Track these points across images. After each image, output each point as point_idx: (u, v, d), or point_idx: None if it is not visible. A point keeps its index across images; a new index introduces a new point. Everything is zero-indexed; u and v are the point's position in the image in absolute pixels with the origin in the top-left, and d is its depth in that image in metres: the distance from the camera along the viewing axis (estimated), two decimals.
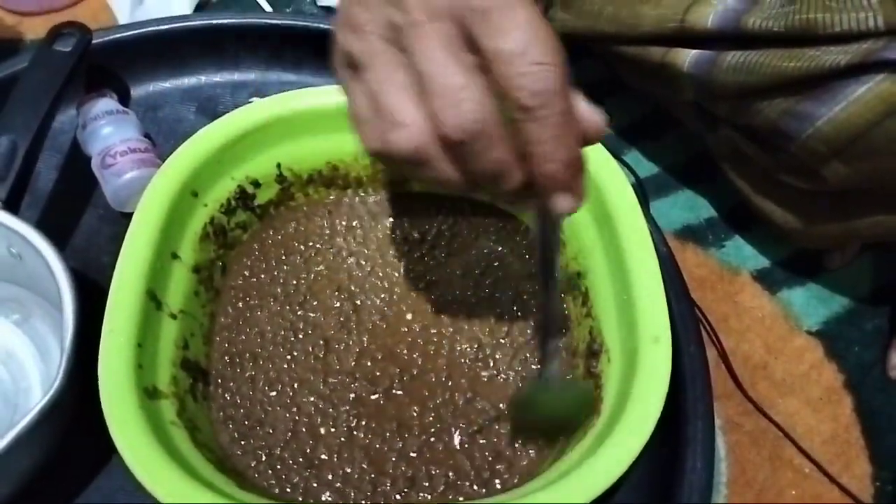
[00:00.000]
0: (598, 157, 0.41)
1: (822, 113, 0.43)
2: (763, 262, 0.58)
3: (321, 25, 0.57)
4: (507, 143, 0.27)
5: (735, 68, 0.46)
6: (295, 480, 0.38)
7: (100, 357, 0.33)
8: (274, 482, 0.38)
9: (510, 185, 0.28)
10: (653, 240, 0.39)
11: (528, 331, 0.44)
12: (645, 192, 0.60)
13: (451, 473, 0.39)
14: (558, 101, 0.25)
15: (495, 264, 0.46)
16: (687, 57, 0.49)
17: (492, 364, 0.42)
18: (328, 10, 0.64)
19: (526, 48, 0.25)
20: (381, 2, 0.27)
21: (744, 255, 0.58)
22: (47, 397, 0.34)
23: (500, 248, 0.47)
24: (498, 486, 0.38)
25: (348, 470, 0.38)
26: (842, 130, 0.42)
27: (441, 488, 0.38)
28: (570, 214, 0.29)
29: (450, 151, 0.27)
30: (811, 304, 0.56)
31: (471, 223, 0.47)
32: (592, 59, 0.66)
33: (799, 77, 0.43)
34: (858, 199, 0.47)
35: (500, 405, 0.41)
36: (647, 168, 0.62)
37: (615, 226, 0.39)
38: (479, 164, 0.27)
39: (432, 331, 0.43)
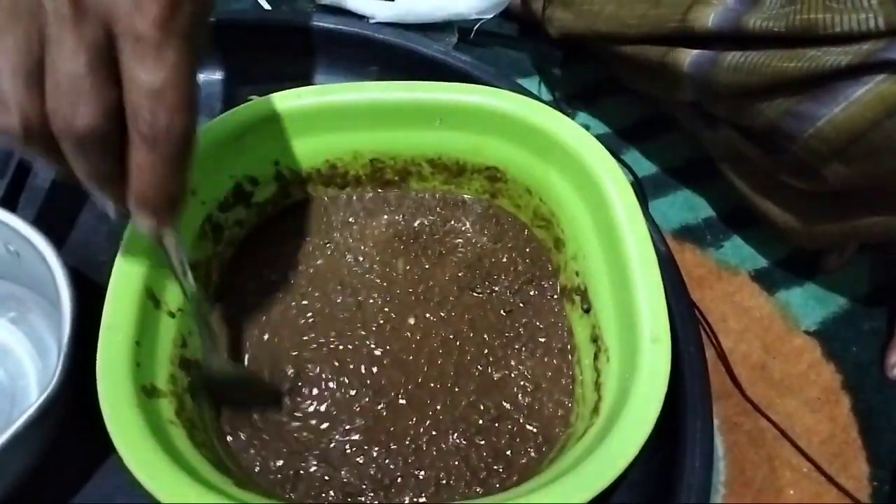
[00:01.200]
0: (597, 156, 0.41)
1: (822, 113, 0.43)
2: (761, 262, 0.58)
3: (320, 23, 0.57)
4: (112, 156, 0.27)
5: (735, 68, 0.46)
6: (295, 479, 0.38)
7: (98, 355, 0.33)
8: (273, 481, 0.38)
9: (108, 193, 0.28)
10: (652, 240, 0.39)
11: (522, 329, 0.44)
12: (644, 191, 0.60)
13: (442, 474, 0.39)
14: (175, 142, 0.26)
15: (491, 260, 0.46)
16: (687, 57, 0.49)
17: (494, 362, 0.42)
18: (326, 9, 0.64)
19: (164, 89, 0.25)
20: None
21: (742, 255, 0.58)
22: (44, 396, 0.34)
23: (496, 245, 0.47)
24: (497, 486, 0.38)
25: (348, 470, 0.38)
26: (842, 131, 0.42)
27: (431, 490, 0.38)
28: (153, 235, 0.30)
29: (58, 143, 0.26)
30: (809, 304, 0.56)
31: (467, 220, 0.47)
32: (591, 60, 0.66)
33: (799, 77, 0.43)
34: (858, 200, 0.48)
35: (504, 404, 0.41)
36: (645, 168, 0.62)
37: (614, 226, 0.39)
38: (83, 165, 0.27)
39: (433, 332, 0.43)
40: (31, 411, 0.34)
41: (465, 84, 0.44)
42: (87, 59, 0.25)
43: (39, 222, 0.41)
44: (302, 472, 0.38)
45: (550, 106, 0.43)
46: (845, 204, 0.48)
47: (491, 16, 0.64)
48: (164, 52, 0.25)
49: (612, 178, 0.40)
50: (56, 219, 0.50)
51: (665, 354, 0.35)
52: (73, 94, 0.25)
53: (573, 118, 0.64)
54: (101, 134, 0.26)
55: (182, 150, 0.27)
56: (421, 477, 0.38)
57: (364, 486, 0.38)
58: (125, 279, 0.36)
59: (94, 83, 0.25)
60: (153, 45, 0.25)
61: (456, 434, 0.40)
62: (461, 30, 0.66)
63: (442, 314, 0.44)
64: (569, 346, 0.43)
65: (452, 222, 0.47)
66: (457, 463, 0.39)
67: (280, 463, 0.38)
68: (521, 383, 0.42)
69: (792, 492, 0.48)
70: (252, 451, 0.39)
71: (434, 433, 0.40)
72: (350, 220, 0.47)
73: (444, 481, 0.38)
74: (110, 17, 0.25)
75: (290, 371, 0.41)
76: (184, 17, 0.26)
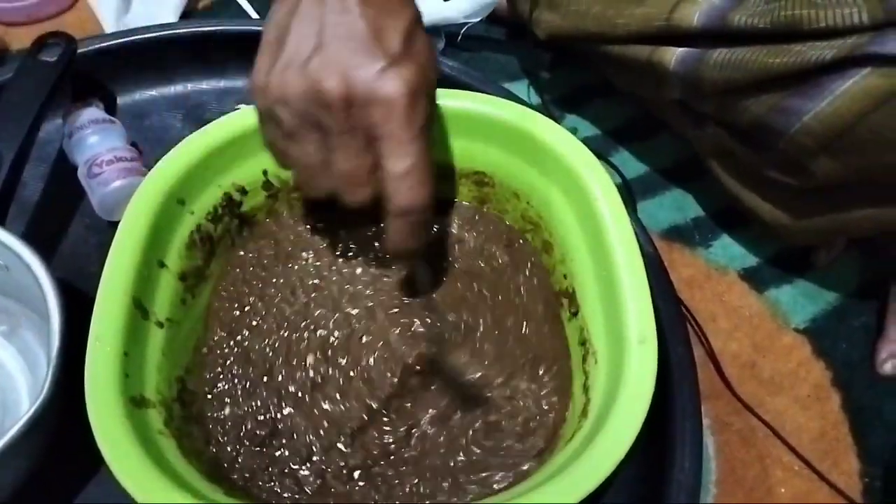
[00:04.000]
0: (582, 160, 0.41)
1: (808, 108, 0.43)
2: (750, 260, 0.58)
3: None
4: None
5: (722, 65, 0.46)
6: (282, 489, 0.38)
7: (86, 367, 0.33)
8: (262, 491, 0.38)
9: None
10: (639, 241, 0.39)
11: (511, 332, 0.44)
12: (632, 193, 0.60)
13: (429, 474, 0.39)
14: (420, 211, 0.34)
15: (479, 263, 0.46)
16: (673, 55, 0.50)
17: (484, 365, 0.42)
18: None
19: (410, 172, 0.33)
20: (306, 101, 0.33)
21: (731, 254, 0.58)
22: (33, 408, 0.34)
23: (484, 248, 0.47)
24: (486, 490, 0.38)
25: (337, 479, 0.38)
26: (829, 125, 0.42)
27: (419, 493, 0.38)
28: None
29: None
30: (798, 302, 0.56)
31: (456, 224, 0.48)
32: (579, 62, 0.66)
33: (785, 72, 0.43)
34: (846, 193, 0.48)
35: (493, 407, 0.41)
36: (634, 169, 0.63)
37: (600, 229, 0.39)
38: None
39: (421, 337, 0.43)
40: (20, 424, 0.34)
41: (451, 90, 0.44)
42: (357, 161, 0.34)
43: (29, 235, 0.41)
44: (291, 480, 0.38)
45: (538, 109, 0.43)
46: (833, 198, 0.49)
47: (478, 19, 0.64)
48: (410, 147, 0.33)
49: (597, 180, 0.40)
50: (45, 231, 0.50)
51: (652, 355, 0.35)
52: (350, 184, 0.35)
53: (562, 120, 0.65)
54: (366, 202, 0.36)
55: (423, 216, 0.35)
56: (410, 480, 0.39)
57: (352, 490, 0.38)
58: (113, 290, 0.36)
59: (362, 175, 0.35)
60: (402, 141, 0.33)
61: (445, 438, 0.40)
62: (448, 34, 0.66)
63: (430, 319, 0.44)
64: (558, 350, 0.43)
65: (441, 227, 0.48)
66: (442, 467, 0.39)
67: (268, 471, 0.38)
68: (511, 387, 0.42)
69: (783, 490, 0.48)
70: (239, 460, 0.39)
71: (422, 438, 0.40)
72: (340, 230, 0.47)
73: (433, 484, 0.38)
74: (372, 128, 0.33)
75: (276, 385, 0.41)
76: (420, 117, 0.33)
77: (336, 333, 0.43)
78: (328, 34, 0.33)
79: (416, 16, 0.35)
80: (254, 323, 0.43)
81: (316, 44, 0.33)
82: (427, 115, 0.34)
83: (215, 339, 0.42)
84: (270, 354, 0.42)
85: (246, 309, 0.44)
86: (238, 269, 0.45)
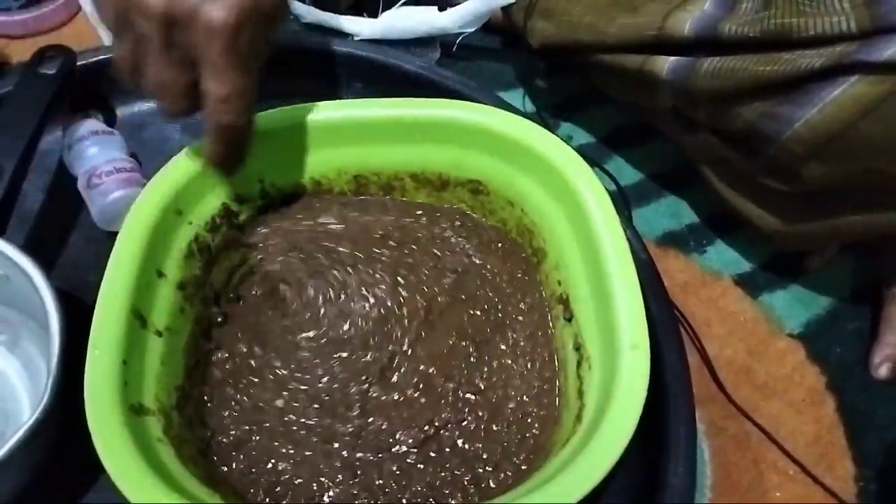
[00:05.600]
0: (575, 167, 0.42)
1: (799, 115, 0.43)
2: (744, 266, 0.59)
3: (304, 43, 0.58)
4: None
5: (713, 74, 0.47)
6: (279, 494, 0.38)
7: (85, 375, 0.34)
8: (260, 497, 0.38)
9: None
10: (632, 247, 0.40)
11: (506, 339, 0.44)
12: (627, 199, 0.61)
13: (428, 479, 0.39)
14: (236, 134, 0.37)
15: (475, 271, 0.47)
16: (665, 64, 0.50)
17: (479, 373, 0.43)
18: (311, 27, 0.65)
19: (228, 98, 0.35)
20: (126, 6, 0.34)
21: (725, 259, 0.59)
22: (33, 418, 0.35)
23: (479, 256, 0.47)
24: (482, 495, 0.39)
25: (333, 485, 0.39)
26: (818, 132, 0.43)
27: (417, 499, 0.39)
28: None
29: None
30: (792, 306, 0.56)
31: (451, 232, 0.48)
32: (573, 70, 0.66)
33: (775, 80, 0.44)
34: (838, 199, 0.48)
35: (489, 413, 0.41)
36: (629, 176, 0.63)
37: (593, 235, 0.40)
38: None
39: (418, 345, 0.44)
40: (20, 433, 0.34)
41: (444, 99, 0.45)
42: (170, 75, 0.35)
43: (29, 245, 0.41)
44: (286, 486, 0.39)
45: (533, 117, 0.44)
46: (825, 203, 0.49)
47: (473, 29, 0.64)
48: (229, 73, 0.34)
49: (590, 187, 0.41)
50: (46, 241, 0.51)
51: (644, 361, 0.35)
52: (164, 96, 0.36)
53: (557, 128, 0.66)
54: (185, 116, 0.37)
55: (241, 139, 0.38)
56: (407, 485, 0.39)
57: (354, 494, 0.38)
58: (112, 300, 0.36)
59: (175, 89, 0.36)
60: (220, 68, 0.34)
61: (442, 444, 0.40)
62: (444, 44, 0.67)
63: (426, 327, 0.44)
64: (553, 356, 0.43)
65: (436, 235, 0.48)
66: (442, 473, 0.39)
67: (265, 479, 0.39)
68: (506, 393, 0.42)
69: (778, 494, 0.48)
70: (236, 467, 0.39)
71: (417, 441, 0.40)
72: (340, 234, 0.48)
73: (430, 489, 0.39)
74: (192, 48, 0.34)
75: (275, 391, 0.42)
76: (244, 46, 0.34)
77: (331, 333, 0.44)
78: None
79: None
80: (254, 332, 0.44)
81: None
82: (252, 45, 0.35)
83: (215, 347, 0.43)
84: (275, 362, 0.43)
85: (246, 318, 0.44)
86: (237, 279, 0.46)
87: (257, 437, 0.40)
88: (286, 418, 0.41)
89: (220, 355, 0.43)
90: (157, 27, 0.33)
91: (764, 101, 0.45)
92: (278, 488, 0.38)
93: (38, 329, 0.44)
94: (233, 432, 0.40)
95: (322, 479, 0.39)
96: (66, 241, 0.51)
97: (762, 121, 0.46)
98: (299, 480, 0.39)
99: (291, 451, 0.40)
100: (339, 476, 0.39)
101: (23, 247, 0.40)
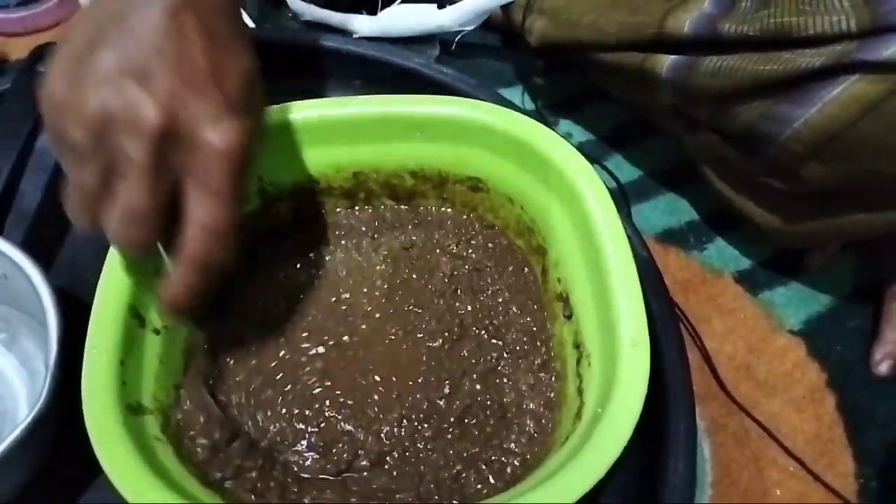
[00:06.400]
0: (575, 165, 0.41)
1: (798, 115, 0.43)
2: (745, 263, 0.58)
3: (303, 40, 0.57)
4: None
5: (712, 73, 0.47)
6: (274, 496, 0.38)
7: (83, 374, 0.34)
8: (254, 497, 0.38)
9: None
10: (632, 244, 0.39)
11: (506, 337, 0.44)
12: (626, 196, 0.61)
13: (427, 477, 0.39)
14: (210, 268, 0.32)
15: (475, 269, 0.47)
16: (665, 62, 0.50)
17: (479, 371, 0.43)
18: (310, 25, 0.65)
19: (215, 225, 0.31)
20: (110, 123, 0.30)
21: (726, 256, 0.59)
22: (31, 416, 0.35)
23: (479, 254, 0.47)
24: (482, 493, 0.39)
25: (328, 487, 0.39)
26: (818, 131, 0.43)
27: (416, 498, 0.38)
28: None
29: None
30: (793, 303, 0.56)
31: (450, 229, 0.48)
32: (572, 67, 0.66)
33: (775, 79, 0.43)
34: (838, 198, 0.48)
35: (489, 411, 0.41)
36: (628, 173, 0.63)
37: (593, 232, 0.39)
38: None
39: (419, 343, 0.44)
40: (17, 431, 0.34)
41: (443, 96, 0.45)
42: (150, 200, 0.30)
43: (27, 244, 0.41)
44: (283, 488, 0.38)
45: (532, 114, 0.44)
46: (825, 203, 0.49)
47: (472, 27, 0.64)
48: (223, 201, 0.31)
49: (589, 185, 0.41)
50: (44, 239, 0.50)
51: (644, 358, 0.35)
52: (132, 222, 0.31)
53: (556, 126, 0.65)
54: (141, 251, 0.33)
55: (212, 274, 0.33)
56: (406, 483, 0.39)
57: (342, 495, 0.38)
58: (109, 298, 0.36)
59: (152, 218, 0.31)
60: (221, 195, 0.30)
61: (441, 442, 0.40)
62: (444, 42, 0.67)
63: (427, 325, 0.44)
64: (553, 353, 0.43)
65: (436, 232, 0.48)
66: (441, 471, 0.39)
67: (260, 479, 0.38)
68: (506, 391, 0.42)
69: (779, 491, 0.48)
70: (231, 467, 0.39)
71: (421, 442, 0.40)
72: (338, 233, 0.48)
73: (429, 488, 0.39)
74: (184, 170, 0.30)
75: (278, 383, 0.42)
76: (243, 174, 0.31)
77: (331, 343, 0.43)
78: (158, 57, 0.30)
79: (258, 64, 0.33)
80: (254, 329, 0.44)
81: (140, 64, 0.30)
82: (247, 173, 0.32)
83: (213, 343, 0.43)
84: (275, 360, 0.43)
85: (245, 315, 0.44)
86: (235, 276, 0.45)
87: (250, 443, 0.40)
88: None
89: (219, 352, 0.42)
90: (147, 146, 0.29)
91: (763, 101, 0.45)
92: (277, 486, 0.38)
93: (37, 327, 0.44)
94: (226, 433, 0.40)
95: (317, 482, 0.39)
96: (64, 239, 0.51)
97: (762, 120, 0.46)
98: (296, 485, 0.39)
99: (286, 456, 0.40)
100: (327, 477, 0.39)
101: (21, 245, 0.40)
